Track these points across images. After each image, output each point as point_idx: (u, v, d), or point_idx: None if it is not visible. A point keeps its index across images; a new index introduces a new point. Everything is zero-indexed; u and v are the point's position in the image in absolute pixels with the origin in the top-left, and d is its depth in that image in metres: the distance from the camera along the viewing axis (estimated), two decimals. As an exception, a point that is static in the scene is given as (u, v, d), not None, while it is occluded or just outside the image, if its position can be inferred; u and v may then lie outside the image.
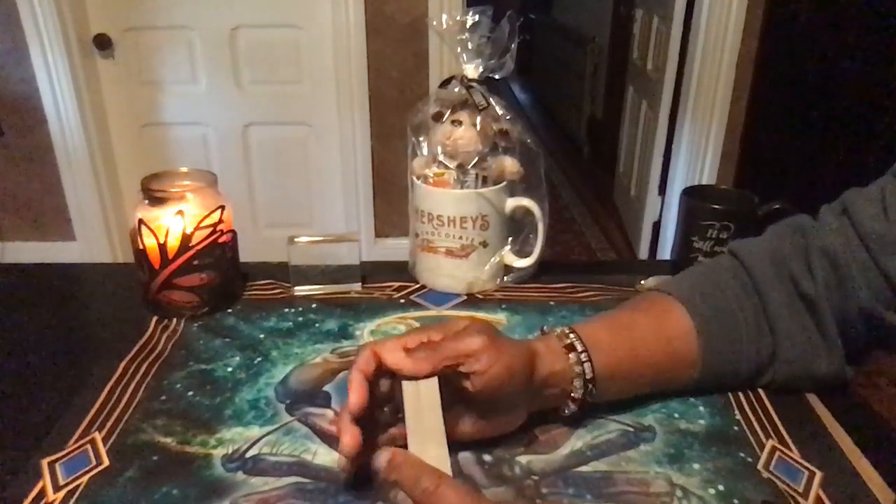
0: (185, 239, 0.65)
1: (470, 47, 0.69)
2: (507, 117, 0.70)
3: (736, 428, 0.52)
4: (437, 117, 0.71)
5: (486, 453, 0.49)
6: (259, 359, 0.61)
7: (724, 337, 0.53)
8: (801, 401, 0.55)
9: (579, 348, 0.49)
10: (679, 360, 0.53)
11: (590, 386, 0.49)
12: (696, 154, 2.24)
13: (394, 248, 2.36)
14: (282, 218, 2.42)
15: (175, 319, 0.67)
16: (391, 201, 2.37)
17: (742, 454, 0.49)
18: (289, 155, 2.35)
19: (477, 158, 0.70)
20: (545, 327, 0.53)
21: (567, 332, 0.51)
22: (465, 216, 0.70)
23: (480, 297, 0.73)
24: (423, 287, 0.75)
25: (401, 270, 0.78)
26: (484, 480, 0.47)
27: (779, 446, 0.50)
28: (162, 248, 0.64)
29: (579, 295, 0.73)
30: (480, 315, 0.69)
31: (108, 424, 0.52)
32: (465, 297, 0.73)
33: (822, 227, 0.53)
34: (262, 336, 0.65)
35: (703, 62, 2.13)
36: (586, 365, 0.49)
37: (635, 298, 0.59)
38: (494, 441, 0.50)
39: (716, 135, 2.20)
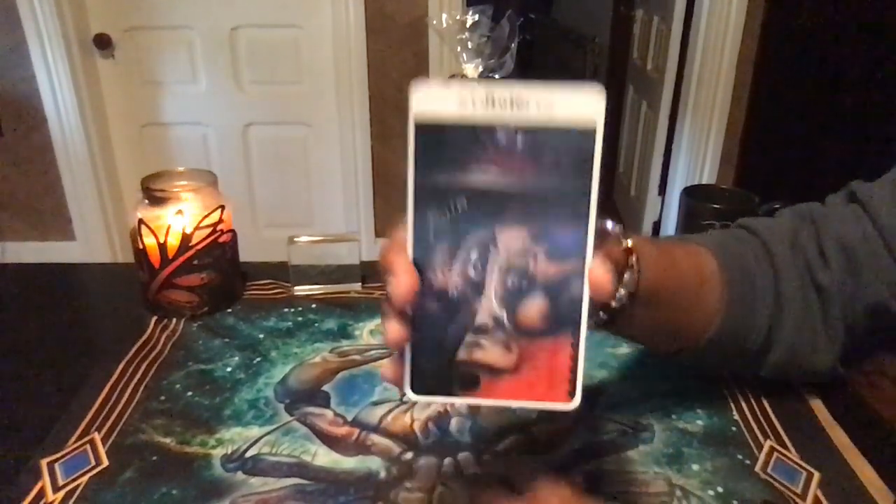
0: (185, 239, 0.65)
1: (470, 47, 0.69)
2: (507, 117, 0.70)
3: (734, 428, 0.52)
4: (437, 117, 0.70)
5: (485, 453, 0.49)
6: (258, 359, 0.61)
7: (744, 291, 0.51)
8: (799, 401, 0.55)
9: (634, 258, 0.42)
10: (705, 297, 0.49)
11: (625, 301, 0.42)
12: (696, 154, 2.24)
13: (394, 248, 2.36)
14: (282, 218, 2.42)
15: (175, 319, 0.67)
16: (391, 201, 2.37)
17: (740, 455, 0.49)
18: (289, 155, 2.35)
19: (476, 158, 0.70)
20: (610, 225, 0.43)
21: (622, 235, 0.43)
22: (464, 216, 0.70)
23: (480, 297, 0.73)
24: (423, 287, 0.75)
25: (400, 270, 0.78)
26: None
27: (777, 447, 0.50)
28: (162, 247, 0.65)
29: (579, 295, 0.73)
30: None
31: (108, 424, 0.52)
32: (465, 298, 0.73)
33: (834, 216, 0.53)
34: (261, 336, 0.65)
35: (703, 62, 2.12)
36: (635, 275, 0.42)
37: None
38: (493, 441, 0.50)
39: (716, 135, 2.19)
